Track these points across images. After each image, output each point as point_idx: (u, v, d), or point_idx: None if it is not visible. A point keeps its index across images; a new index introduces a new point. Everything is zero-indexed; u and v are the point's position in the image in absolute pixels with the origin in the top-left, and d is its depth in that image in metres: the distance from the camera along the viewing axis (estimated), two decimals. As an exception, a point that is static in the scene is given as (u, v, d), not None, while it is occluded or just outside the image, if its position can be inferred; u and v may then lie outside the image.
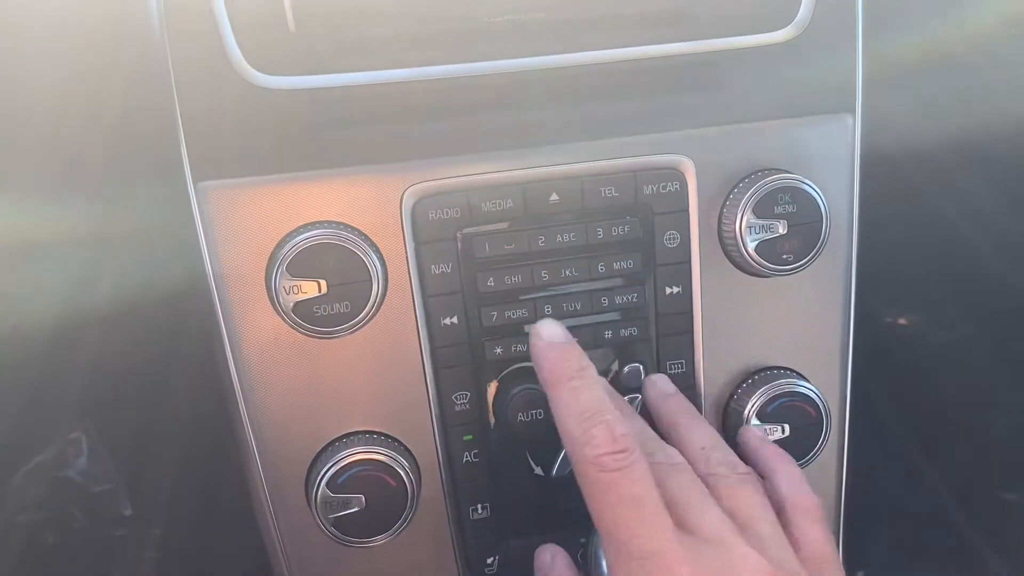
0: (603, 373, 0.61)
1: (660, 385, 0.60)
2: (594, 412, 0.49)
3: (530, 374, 0.59)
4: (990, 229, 0.70)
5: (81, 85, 0.55)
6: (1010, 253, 0.72)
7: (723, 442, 0.56)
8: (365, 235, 0.55)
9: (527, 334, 0.58)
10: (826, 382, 0.63)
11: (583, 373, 0.52)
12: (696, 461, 0.54)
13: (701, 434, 0.56)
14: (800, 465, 0.62)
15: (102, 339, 0.60)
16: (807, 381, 0.61)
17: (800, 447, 0.61)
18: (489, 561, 0.62)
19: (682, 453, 0.53)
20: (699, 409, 0.62)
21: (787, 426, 0.60)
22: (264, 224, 0.54)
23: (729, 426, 0.62)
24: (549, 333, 0.53)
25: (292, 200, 0.54)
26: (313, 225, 0.54)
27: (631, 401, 0.60)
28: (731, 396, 0.62)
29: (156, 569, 0.68)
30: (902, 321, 0.79)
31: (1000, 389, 0.79)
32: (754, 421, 0.60)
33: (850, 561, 0.70)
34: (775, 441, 0.61)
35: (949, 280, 0.74)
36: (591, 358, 0.59)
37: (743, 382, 0.62)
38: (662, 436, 0.56)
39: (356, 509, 0.56)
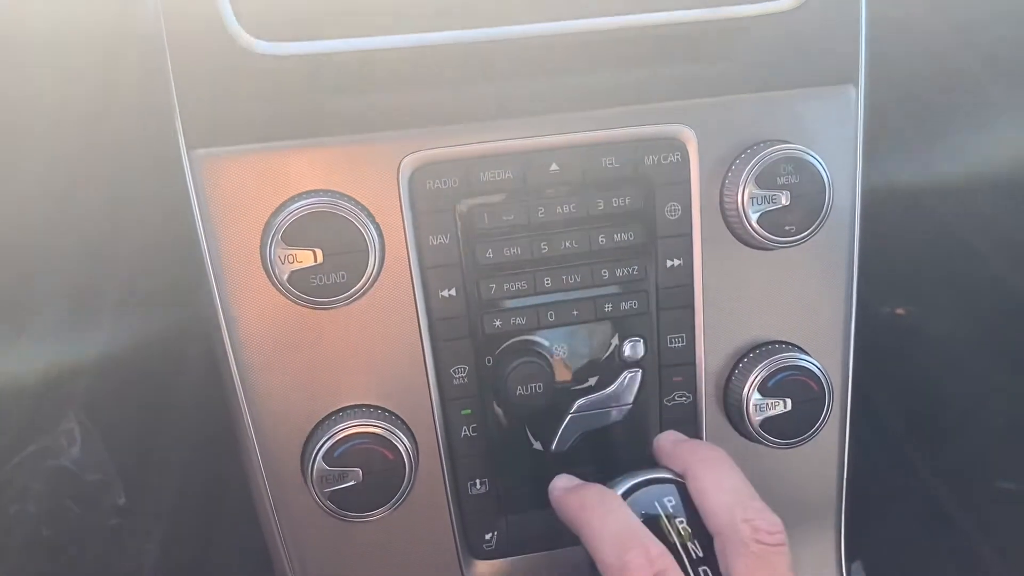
0: (603, 347, 0.60)
1: (672, 436, 0.58)
2: (626, 535, 0.48)
3: (529, 348, 0.59)
4: (996, 206, 0.70)
5: (75, 52, 0.54)
6: (1015, 234, 0.72)
7: (749, 491, 0.52)
8: (362, 205, 0.54)
9: (526, 308, 0.58)
10: (828, 357, 0.62)
11: (607, 498, 0.51)
12: (720, 522, 0.50)
13: (726, 483, 0.52)
14: (802, 441, 0.61)
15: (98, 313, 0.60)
16: (809, 355, 0.60)
17: (802, 422, 0.61)
18: (488, 537, 0.61)
19: (702, 508, 0.51)
20: (699, 384, 0.61)
21: (788, 400, 0.60)
22: (259, 193, 0.53)
23: (730, 402, 0.61)
24: (565, 483, 0.55)
25: (287, 169, 0.53)
26: (308, 194, 0.53)
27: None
28: (732, 371, 0.61)
29: (150, 545, 0.67)
30: (906, 297, 0.78)
31: (1004, 370, 0.79)
32: (755, 396, 0.60)
33: (850, 543, 0.70)
34: (776, 416, 0.60)
35: (953, 257, 0.73)
36: (591, 331, 0.59)
37: (744, 356, 0.61)
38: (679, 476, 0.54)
39: (353, 483, 0.55)
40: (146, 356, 0.60)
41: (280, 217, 0.52)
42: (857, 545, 0.72)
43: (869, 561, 0.92)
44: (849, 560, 0.70)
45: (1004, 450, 0.82)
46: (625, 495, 0.51)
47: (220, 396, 0.57)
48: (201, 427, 0.62)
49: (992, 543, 0.84)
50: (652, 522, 0.50)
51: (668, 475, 0.53)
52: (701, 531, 0.50)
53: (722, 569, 0.48)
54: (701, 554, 0.49)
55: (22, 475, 0.67)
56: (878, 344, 0.66)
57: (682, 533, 0.50)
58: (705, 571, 0.48)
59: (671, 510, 0.51)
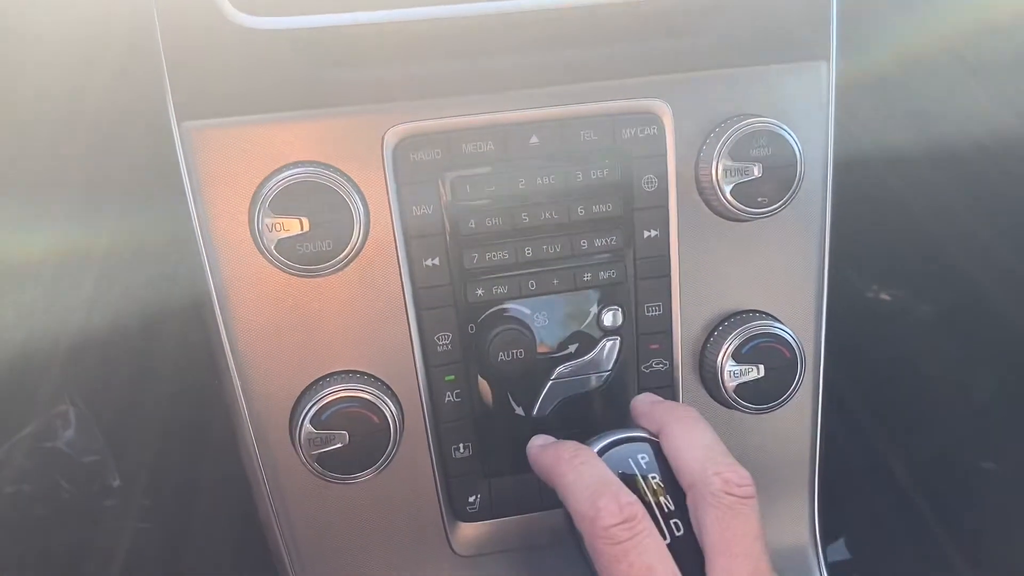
0: (582, 316, 0.62)
1: (648, 397, 0.60)
2: (599, 484, 0.50)
3: (511, 316, 0.61)
4: (966, 179, 0.72)
5: (65, 26, 0.55)
6: (986, 206, 0.74)
7: (720, 448, 0.53)
8: (347, 175, 0.55)
9: (508, 277, 0.60)
10: (801, 325, 0.64)
11: (581, 452, 0.53)
12: (692, 476, 0.52)
13: (698, 439, 0.54)
14: (775, 406, 0.63)
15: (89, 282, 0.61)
16: (781, 323, 0.62)
17: (775, 388, 0.62)
18: (471, 500, 0.63)
19: (675, 464, 0.53)
20: (675, 352, 0.63)
21: (762, 367, 0.62)
22: (248, 164, 0.55)
23: (705, 368, 0.63)
24: (543, 440, 0.58)
25: (275, 140, 0.55)
26: (295, 164, 0.55)
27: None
28: (707, 338, 0.63)
29: (142, 510, 0.68)
30: (877, 268, 0.80)
31: (979, 340, 0.81)
32: (729, 362, 0.61)
33: (824, 510, 0.71)
34: (750, 382, 0.62)
35: (922, 229, 0.75)
36: (571, 300, 0.61)
37: (719, 324, 0.63)
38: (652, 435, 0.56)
39: (339, 445, 0.57)
40: (136, 324, 0.62)
41: (267, 187, 0.54)
42: (837, 519, 0.74)
43: (852, 536, 0.95)
44: (823, 524, 0.72)
45: (977, 428, 0.84)
46: (600, 453, 0.53)
47: (210, 362, 0.59)
48: (191, 393, 0.63)
49: (964, 520, 0.86)
50: (626, 480, 0.52)
51: (642, 434, 0.55)
52: (674, 487, 0.52)
53: (693, 522, 0.50)
54: (673, 507, 0.51)
55: (17, 455, 0.68)
56: (854, 307, 0.68)
57: (655, 489, 0.52)
58: (676, 523, 0.50)
59: (644, 467, 0.53)
